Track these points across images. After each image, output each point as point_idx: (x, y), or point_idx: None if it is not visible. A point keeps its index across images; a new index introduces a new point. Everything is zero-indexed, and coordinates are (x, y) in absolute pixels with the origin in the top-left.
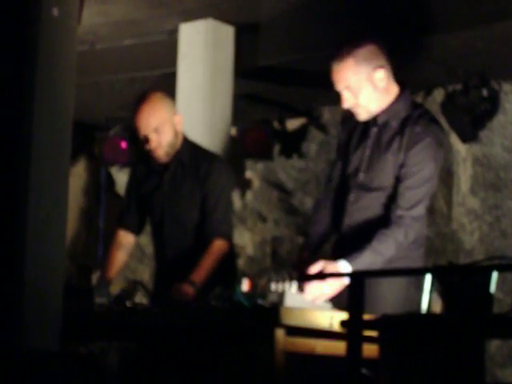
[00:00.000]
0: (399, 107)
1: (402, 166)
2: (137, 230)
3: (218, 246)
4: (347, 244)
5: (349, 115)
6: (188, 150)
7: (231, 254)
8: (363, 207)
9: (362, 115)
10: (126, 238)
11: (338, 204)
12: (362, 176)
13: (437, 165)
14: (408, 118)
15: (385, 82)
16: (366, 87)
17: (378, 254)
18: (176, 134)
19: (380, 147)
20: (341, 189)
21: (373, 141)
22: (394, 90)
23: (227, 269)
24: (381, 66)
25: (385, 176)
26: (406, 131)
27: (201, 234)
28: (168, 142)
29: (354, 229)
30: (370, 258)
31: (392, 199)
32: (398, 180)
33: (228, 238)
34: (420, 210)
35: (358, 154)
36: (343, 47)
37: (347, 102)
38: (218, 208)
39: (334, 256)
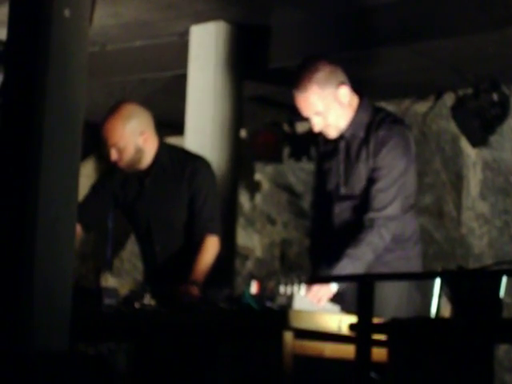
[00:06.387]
0: (361, 116)
1: (372, 170)
2: (87, 228)
3: (211, 242)
4: (338, 253)
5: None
6: (167, 153)
7: (226, 251)
8: (348, 216)
9: (333, 133)
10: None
11: (324, 220)
12: (343, 189)
13: (408, 163)
14: (371, 124)
15: (348, 97)
16: (333, 107)
17: (355, 259)
18: (139, 151)
19: (351, 159)
20: (324, 207)
21: (343, 155)
22: (355, 101)
23: (223, 266)
24: (342, 83)
25: (362, 183)
26: (370, 137)
27: (191, 234)
28: (128, 159)
29: (341, 238)
30: (349, 266)
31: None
32: (370, 183)
33: (218, 233)
34: (393, 209)
35: (334, 170)
36: (302, 75)
37: (318, 125)
38: (206, 206)
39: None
